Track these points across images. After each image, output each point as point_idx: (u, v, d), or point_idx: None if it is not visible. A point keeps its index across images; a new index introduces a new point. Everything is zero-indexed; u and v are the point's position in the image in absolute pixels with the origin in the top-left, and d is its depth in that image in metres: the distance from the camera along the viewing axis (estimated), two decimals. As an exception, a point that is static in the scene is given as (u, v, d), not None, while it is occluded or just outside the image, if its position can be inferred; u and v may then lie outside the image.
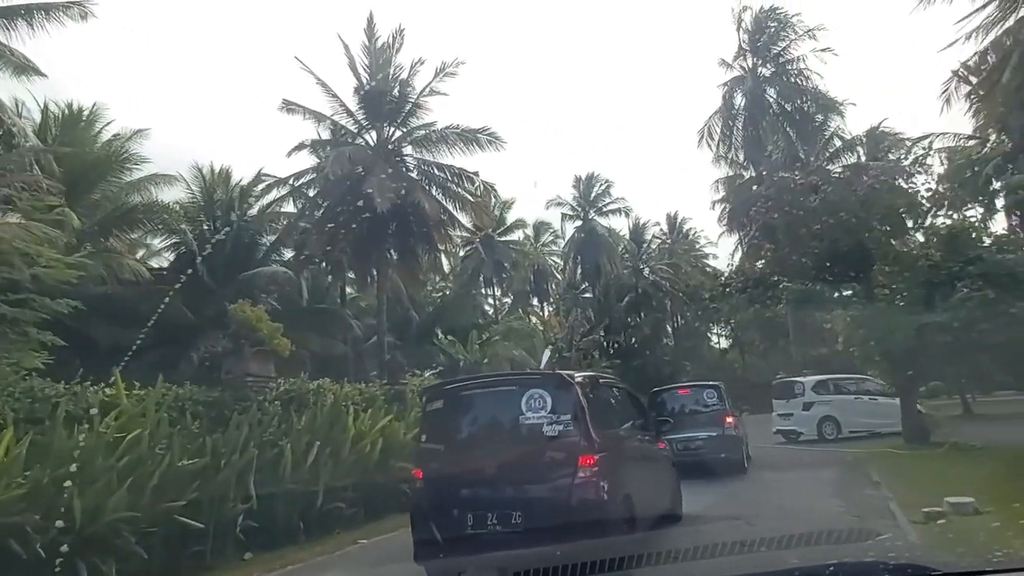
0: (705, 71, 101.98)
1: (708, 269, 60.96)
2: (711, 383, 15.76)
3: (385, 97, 21.97)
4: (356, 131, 22.47)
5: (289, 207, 24.16)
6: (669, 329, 61.37)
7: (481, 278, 47.71)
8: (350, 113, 22.36)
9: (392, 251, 24.11)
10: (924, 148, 15.95)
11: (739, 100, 31.62)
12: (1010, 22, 26.11)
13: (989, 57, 25.63)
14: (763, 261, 40.14)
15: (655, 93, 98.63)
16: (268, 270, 22.33)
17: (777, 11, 30.34)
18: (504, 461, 6.79)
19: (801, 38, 30.04)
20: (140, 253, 23.29)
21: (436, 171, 22.43)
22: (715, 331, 63.13)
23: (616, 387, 9.03)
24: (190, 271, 16.06)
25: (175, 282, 13.03)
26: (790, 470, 13.34)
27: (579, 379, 7.27)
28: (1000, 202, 16.31)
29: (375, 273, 22.91)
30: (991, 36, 26.39)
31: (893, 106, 64.91)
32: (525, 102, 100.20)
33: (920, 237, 13.94)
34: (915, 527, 6.99)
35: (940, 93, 28.09)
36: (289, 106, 20.61)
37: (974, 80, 27.05)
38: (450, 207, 22.94)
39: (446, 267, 45.09)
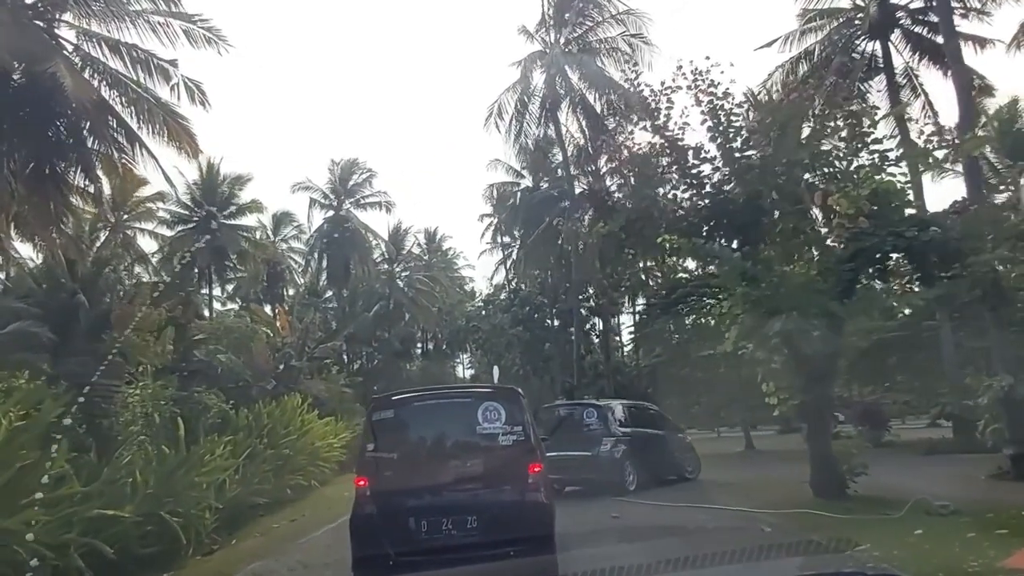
0: (504, 51, 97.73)
1: (463, 289, 57.09)
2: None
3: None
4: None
5: None
6: (419, 349, 55.99)
7: (196, 270, 37.56)
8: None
9: (16, 179, 14.91)
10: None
11: (537, 78, 27.33)
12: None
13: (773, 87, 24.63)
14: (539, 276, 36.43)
15: (442, 77, 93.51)
16: None
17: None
18: (460, 469, 7.23)
19: (609, 21, 26.60)
20: None
21: (104, 49, 13.99)
22: (464, 358, 59.18)
23: None
24: None
25: None
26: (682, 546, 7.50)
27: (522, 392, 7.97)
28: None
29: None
30: (796, 50, 25.40)
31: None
32: (279, 50, 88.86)
33: (844, 201, 9.73)
34: None
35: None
36: None
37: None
38: (127, 117, 14.53)
39: (151, 246, 35.50)
